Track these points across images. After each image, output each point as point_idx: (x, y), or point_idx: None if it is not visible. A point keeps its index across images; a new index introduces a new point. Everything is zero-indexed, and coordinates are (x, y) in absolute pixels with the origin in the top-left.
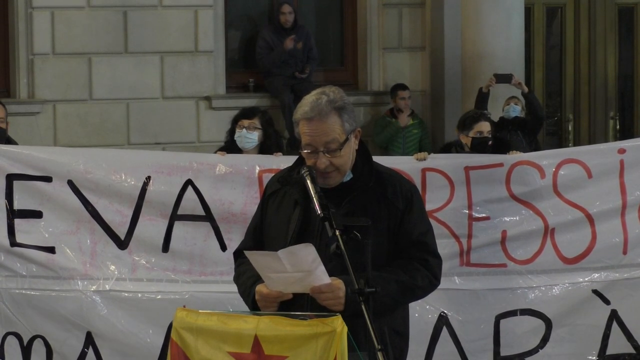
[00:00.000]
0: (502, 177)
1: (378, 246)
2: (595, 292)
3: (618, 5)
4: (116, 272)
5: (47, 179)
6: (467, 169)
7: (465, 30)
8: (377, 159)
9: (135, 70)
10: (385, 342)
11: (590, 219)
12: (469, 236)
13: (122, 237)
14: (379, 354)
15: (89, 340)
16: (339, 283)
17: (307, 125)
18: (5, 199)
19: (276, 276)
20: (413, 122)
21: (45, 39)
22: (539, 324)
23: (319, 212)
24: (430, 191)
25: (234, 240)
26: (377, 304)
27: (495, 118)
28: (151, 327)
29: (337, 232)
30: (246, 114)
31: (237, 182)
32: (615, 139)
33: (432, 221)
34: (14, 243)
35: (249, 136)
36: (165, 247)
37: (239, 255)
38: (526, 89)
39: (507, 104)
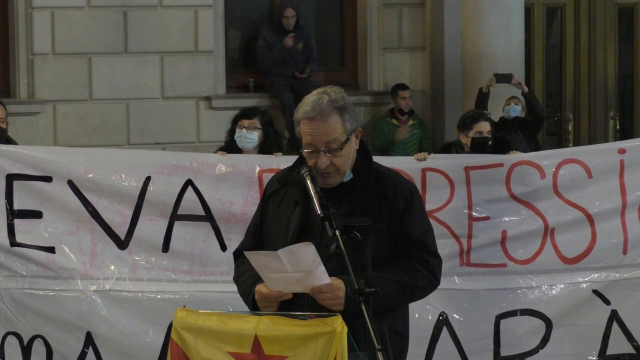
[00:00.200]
0: (502, 177)
1: (378, 246)
2: (595, 292)
3: (618, 5)
4: (116, 272)
5: (47, 179)
6: (467, 169)
7: (465, 30)
8: (377, 159)
9: (135, 70)
10: (385, 342)
11: (590, 219)
12: (469, 236)
13: (122, 237)
14: (379, 354)
15: (89, 340)
16: (339, 283)
17: (308, 124)
18: (5, 199)
19: (276, 276)
20: (413, 122)
21: (45, 39)
22: (539, 324)
23: (319, 212)
24: (430, 191)
25: (234, 240)
26: (377, 304)
27: (496, 118)
28: (151, 327)
29: (337, 232)
30: (246, 114)
31: (237, 182)
32: (615, 139)
33: (432, 221)
34: (14, 243)
35: (249, 136)
36: (165, 247)
37: (238, 255)
38: (526, 89)
39: (507, 104)
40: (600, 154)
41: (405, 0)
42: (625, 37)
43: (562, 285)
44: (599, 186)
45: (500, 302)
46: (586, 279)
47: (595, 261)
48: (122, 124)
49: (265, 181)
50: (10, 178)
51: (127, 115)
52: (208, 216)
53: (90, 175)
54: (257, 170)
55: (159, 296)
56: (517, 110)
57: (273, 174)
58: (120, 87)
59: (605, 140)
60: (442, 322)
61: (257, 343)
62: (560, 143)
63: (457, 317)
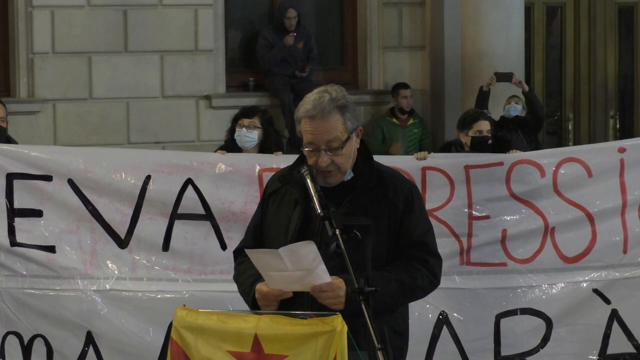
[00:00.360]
0: (502, 176)
1: (378, 246)
2: (595, 291)
3: (618, 5)
4: (116, 271)
5: (47, 178)
6: (467, 167)
7: (465, 29)
8: (377, 158)
9: (135, 70)
10: (385, 341)
11: (590, 218)
12: (469, 235)
13: (123, 236)
14: (379, 353)
15: (89, 339)
16: (339, 282)
17: (309, 123)
18: (6, 198)
19: (276, 275)
20: (413, 122)
21: (45, 38)
22: (539, 323)
23: (319, 211)
24: (430, 190)
25: (234, 239)
26: (377, 303)
27: (496, 117)
28: (151, 326)
29: (337, 231)
30: (246, 113)
31: (237, 181)
32: (615, 138)
33: (432, 220)
34: (14, 242)
35: (248, 135)
36: (166, 246)
37: (239, 254)
38: (527, 88)
39: (507, 103)
40: (601, 153)
41: None
42: (625, 37)
43: (562, 285)
44: (599, 185)
45: (500, 302)
46: (586, 278)
47: (595, 260)
48: (122, 123)
49: (265, 180)
50: (11, 177)
51: (127, 115)
52: (208, 215)
53: (90, 174)
54: (257, 169)
55: (159, 295)
56: (517, 109)
57: (273, 173)
58: (120, 86)
59: (605, 140)
60: (442, 321)
61: (257, 342)
62: (560, 142)
63: (457, 316)
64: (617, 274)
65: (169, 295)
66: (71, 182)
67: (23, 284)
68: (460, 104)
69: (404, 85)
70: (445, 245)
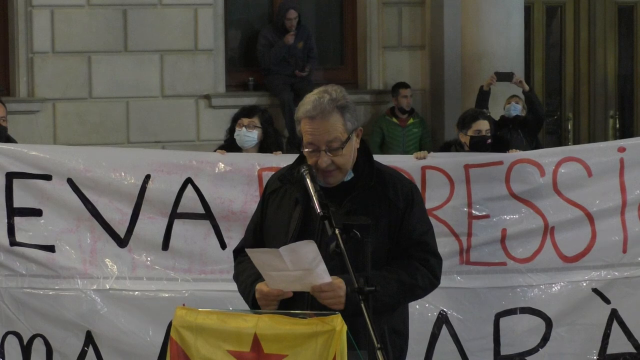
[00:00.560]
0: (502, 175)
1: (378, 245)
2: (595, 290)
3: (618, 4)
4: (116, 271)
5: (47, 177)
6: (467, 167)
7: (465, 28)
8: (377, 157)
9: (135, 69)
10: (384, 341)
11: (590, 217)
12: (469, 234)
13: (122, 235)
14: (379, 353)
15: (89, 339)
16: (339, 282)
17: (309, 123)
18: (5, 197)
19: (277, 274)
20: (413, 121)
21: (45, 38)
22: (539, 322)
23: (319, 210)
24: (430, 189)
25: (233, 239)
26: (377, 303)
27: (496, 117)
28: (151, 326)
29: (337, 231)
30: (246, 112)
31: (237, 181)
32: (615, 137)
33: (431, 219)
34: (13, 242)
35: (248, 135)
36: (165, 245)
37: (239, 253)
38: (527, 88)
39: (508, 102)
40: (600, 153)
41: None
42: (625, 36)
43: (562, 284)
44: (598, 185)
45: (499, 301)
46: (586, 278)
47: (595, 260)
48: (121, 123)
49: (265, 179)
50: (10, 176)
51: (126, 114)
52: (208, 214)
53: (90, 174)
54: (256, 169)
55: (159, 295)
56: (517, 109)
57: (273, 173)
58: (120, 85)
59: (605, 139)
60: (442, 320)
61: (256, 342)
62: (560, 142)
63: (456, 315)
64: (617, 274)
65: (169, 295)
66: (71, 182)
67: (22, 284)
68: (460, 104)
69: (404, 85)
70: (444, 244)
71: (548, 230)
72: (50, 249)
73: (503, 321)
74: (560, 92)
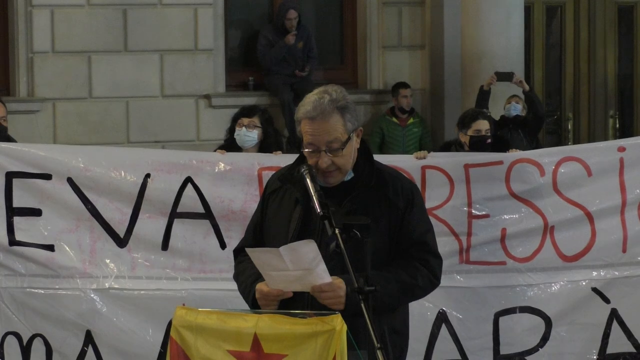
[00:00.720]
0: (502, 175)
1: (378, 245)
2: (594, 290)
3: (618, 4)
4: (115, 270)
5: (47, 177)
6: (467, 166)
7: (465, 28)
8: (377, 157)
9: (135, 69)
10: (384, 341)
11: (589, 217)
12: (469, 234)
13: (122, 235)
14: (378, 353)
15: (89, 338)
16: (339, 282)
17: (309, 124)
18: (5, 197)
19: (277, 274)
20: (413, 121)
21: (45, 37)
22: (539, 322)
23: (319, 210)
24: (430, 189)
25: (233, 238)
26: (377, 303)
27: (496, 117)
28: (151, 326)
29: (337, 231)
30: (246, 112)
31: (236, 180)
32: (615, 137)
33: (431, 219)
34: (13, 242)
35: (248, 134)
36: (165, 245)
37: (239, 253)
38: (527, 87)
39: (508, 102)
40: (600, 152)
41: None
42: (625, 36)
43: (562, 283)
44: (598, 184)
45: (499, 300)
46: (585, 277)
47: (594, 259)
48: (121, 122)
49: (265, 179)
50: (10, 176)
51: (126, 114)
52: (207, 214)
53: (89, 173)
54: (256, 168)
55: (159, 294)
56: (517, 108)
57: (272, 172)
58: (120, 85)
59: (605, 139)
60: (441, 319)
61: (256, 341)
62: (560, 142)
63: (456, 314)
64: (617, 273)
65: (169, 294)
66: (70, 181)
67: (22, 283)
68: (460, 103)
69: (404, 85)
70: (444, 244)
71: (548, 229)
72: (50, 248)
73: (502, 320)
74: (560, 92)
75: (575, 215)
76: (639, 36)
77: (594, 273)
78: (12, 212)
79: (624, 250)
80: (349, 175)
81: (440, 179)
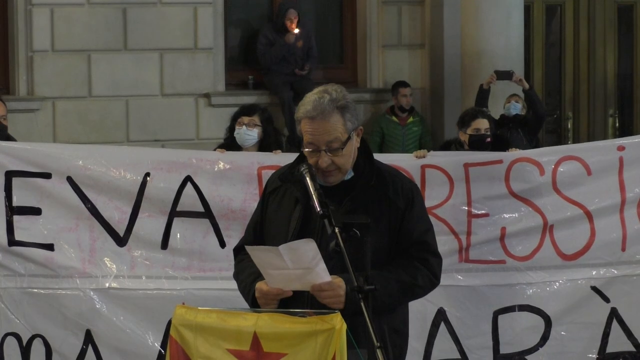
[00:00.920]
0: (502, 174)
1: (378, 245)
2: (594, 289)
3: (617, 4)
4: (115, 270)
5: (46, 176)
6: (467, 165)
7: (465, 27)
8: (377, 156)
9: (135, 68)
10: (384, 340)
11: (589, 215)
12: (468, 233)
13: (122, 233)
14: (378, 352)
15: (89, 338)
16: (339, 281)
17: (309, 124)
18: (5, 195)
19: (277, 273)
20: (413, 120)
21: (44, 36)
22: (538, 321)
23: (318, 209)
24: (429, 188)
25: (233, 237)
26: (377, 302)
27: (496, 116)
28: (150, 325)
29: (336, 230)
30: (246, 111)
31: (236, 179)
32: (615, 136)
33: (431, 218)
34: (12, 242)
35: (249, 133)
36: (164, 243)
37: (239, 251)
38: (527, 86)
39: (507, 101)
40: (600, 151)
41: None
42: (625, 35)
43: (561, 282)
44: (598, 183)
45: (498, 299)
46: (585, 276)
47: (594, 258)
48: (121, 121)
49: (265, 178)
50: (10, 175)
51: (126, 113)
52: (207, 213)
53: (89, 172)
54: (256, 167)
55: (158, 293)
56: (517, 107)
57: (272, 171)
58: (119, 84)
59: (605, 138)
60: (440, 317)
61: (256, 340)
62: (560, 141)
63: (455, 313)
64: (616, 272)
65: (168, 293)
66: (70, 180)
67: (22, 284)
68: (460, 102)
69: (404, 84)
70: (444, 243)
71: (547, 228)
72: (50, 247)
73: (501, 319)
74: (559, 91)
75: (574, 214)
76: (638, 36)
77: (594, 272)
78: (12, 210)
79: (624, 249)
80: (349, 175)
81: (439, 178)
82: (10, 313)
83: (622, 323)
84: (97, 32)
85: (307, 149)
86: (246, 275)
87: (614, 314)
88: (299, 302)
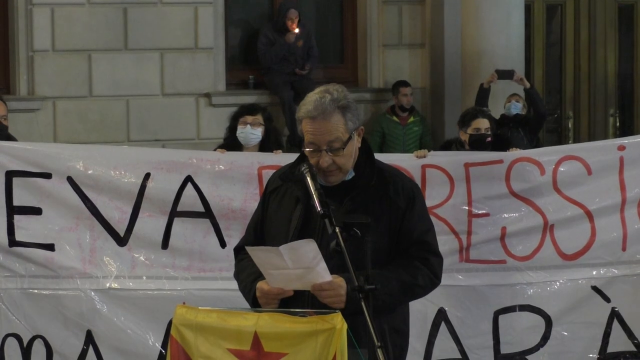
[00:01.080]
0: (502, 173)
1: (379, 244)
2: (594, 288)
3: (618, 3)
4: (115, 270)
5: (47, 176)
6: (467, 165)
7: (465, 27)
8: (377, 156)
9: (135, 67)
10: (385, 340)
11: (589, 215)
12: (469, 233)
13: (122, 233)
14: (379, 351)
15: (89, 338)
16: (340, 281)
17: (310, 124)
18: (5, 195)
19: (277, 273)
20: (414, 119)
21: (45, 36)
22: (539, 321)
23: (319, 209)
24: (430, 187)
25: (233, 237)
26: (377, 302)
27: (497, 115)
28: (151, 325)
29: (337, 229)
30: (250, 110)
31: (236, 179)
32: (615, 136)
33: (432, 218)
34: (12, 242)
35: (253, 132)
36: (165, 243)
37: (239, 251)
38: (528, 85)
39: (508, 101)
40: (600, 151)
41: None
42: (625, 35)
43: (561, 282)
44: (598, 183)
45: (499, 299)
46: (585, 276)
47: (594, 257)
48: (121, 121)
49: (265, 178)
50: (10, 175)
51: (126, 112)
52: (207, 213)
53: (89, 172)
54: (256, 167)
55: (159, 293)
56: (518, 107)
57: (273, 171)
58: (120, 84)
59: (605, 138)
60: (441, 317)
61: (256, 340)
62: (560, 140)
63: (455, 312)
64: (616, 271)
65: (169, 294)
66: (70, 180)
67: (22, 285)
68: (461, 102)
69: (404, 83)
70: (444, 242)
71: (548, 228)
72: (50, 247)
73: (502, 318)
74: (560, 91)
75: (575, 214)
76: (639, 35)
77: (594, 272)
78: (12, 210)
79: (624, 249)
80: (350, 174)
81: (440, 177)
82: (11, 314)
83: (622, 323)
84: (97, 32)
85: (308, 149)
86: (247, 274)
87: (614, 313)
88: (300, 301)
